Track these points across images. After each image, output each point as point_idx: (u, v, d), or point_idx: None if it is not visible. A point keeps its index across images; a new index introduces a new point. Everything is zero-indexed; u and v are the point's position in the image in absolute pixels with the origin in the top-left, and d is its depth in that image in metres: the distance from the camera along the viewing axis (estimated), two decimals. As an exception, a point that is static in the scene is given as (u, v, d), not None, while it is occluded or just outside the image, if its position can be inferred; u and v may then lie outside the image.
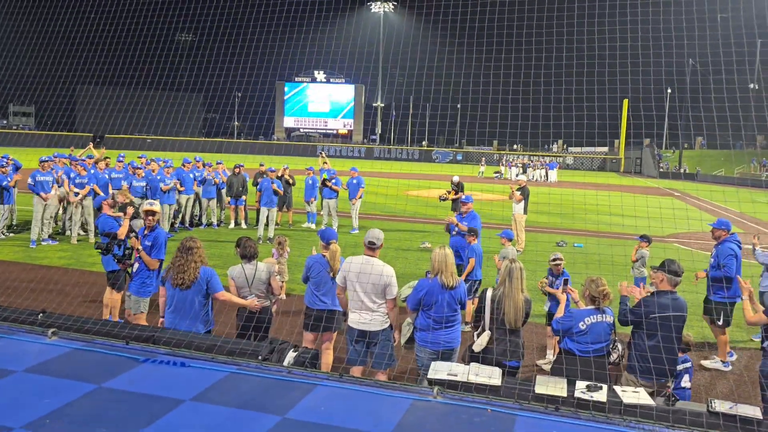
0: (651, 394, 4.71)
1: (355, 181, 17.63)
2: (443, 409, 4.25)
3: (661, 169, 64.94)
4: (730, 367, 7.92)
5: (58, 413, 3.86)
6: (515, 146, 73.85)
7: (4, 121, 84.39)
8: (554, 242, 16.71)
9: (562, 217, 22.91)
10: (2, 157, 14.84)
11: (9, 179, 14.17)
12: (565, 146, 79.09)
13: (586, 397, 4.53)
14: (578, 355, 5.41)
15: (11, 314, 5.45)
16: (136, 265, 7.34)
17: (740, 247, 8.20)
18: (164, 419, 3.84)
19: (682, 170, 62.44)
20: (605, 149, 75.93)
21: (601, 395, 4.56)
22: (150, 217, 7.31)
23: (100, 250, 7.45)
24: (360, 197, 17.68)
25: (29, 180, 13.90)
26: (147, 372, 4.43)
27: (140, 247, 7.13)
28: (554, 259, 7.81)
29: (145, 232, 7.39)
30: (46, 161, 14.31)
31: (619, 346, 5.67)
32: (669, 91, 51.50)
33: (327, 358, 6.60)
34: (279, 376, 4.51)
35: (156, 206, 7.46)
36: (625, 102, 59.01)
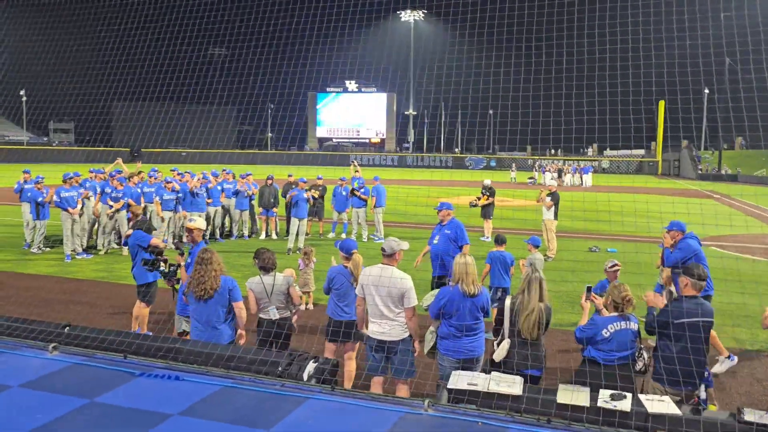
0: (677, 403, 4.56)
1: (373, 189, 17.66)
2: (432, 422, 4.19)
3: (700, 171, 63.42)
4: (736, 360, 7.62)
5: (47, 428, 3.88)
6: (553, 151, 73.12)
7: (45, 138, 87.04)
8: (587, 248, 16.44)
9: (595, 222, 22.54)
10: (38, 177, 15.29)
11: (44, 195, 14.67)
12: (600, 150, 77.86)
13: (609, 406, 4.42)
14: (602, 363, 5.29)
15: (12, 325, 5.55)
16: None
17: (701, 244, 8.23)
18: None
19: (723, 171, 60.89)
20: (642, 152, 74.48)
21: (625, 404, 4.44)
22: (190, 234, 7.26)
23: (147, 266, 7.55)
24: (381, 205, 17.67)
25: (54, 197, 14.32)
26: (141, 386, 4.46)
27: (183, 264, 7.20)
28: (613, 266, 7.66)
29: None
30: (71, 178, 14.68)
31: (645, 355, 5.51)
32: (706, 91, 50.28)
33: (350, 367, 6.58)
34: (272, 389, 4.50)
35: (196, 223, 7.39)
36: (662, 103, 57.94)
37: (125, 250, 14.62)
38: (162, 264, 7.48)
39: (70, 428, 3.92)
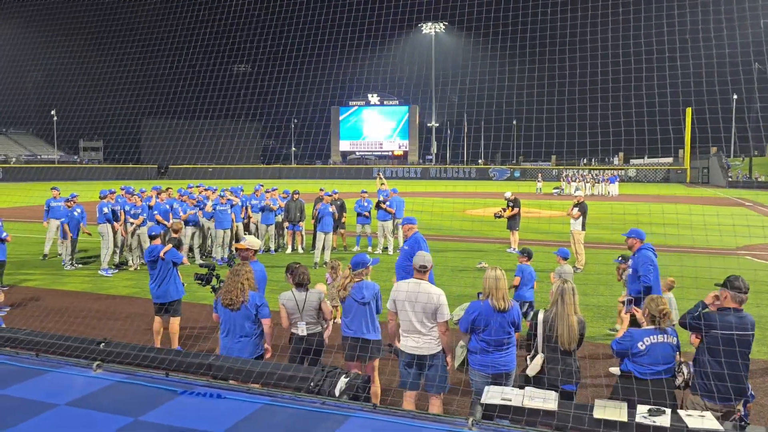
0: (718, 418, 4.45)
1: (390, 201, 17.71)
2: None
3: (731, 179, 62.34)
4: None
5: None
6: (584, 160, 72.44)
7: (76, 157, 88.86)
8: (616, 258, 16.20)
9: (624, 232, 22.24)
10: (72, 194, 15.61)
11: (73, 212, 15.14)
12: (627, 159, 77.05)
13: (648, 422, 4.32)
14: (638, 377, 5.19)
15: (57, 343, 5.63)
16: None
17: (656, 255, 8.21)
18: None
19: (754, 178, 59.75)
20: (669, 160, 73.55)
21: (664, 420, 4.34)
22: (240, 253, 7.35)
23: (200, 282, 7.64)
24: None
25: (104, 210, 14.69)
26: (184, 404, 4.49)
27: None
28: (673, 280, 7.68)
29: None
30: (111, 193, 15.16)
31: (685, 370, 5.38)
32: (735, 97, 49.54)
33: (375, 391, 6.39)
34: (312, 407, 4.47)
35: (245, 242, 7.42)
36: (689, 110, 57.14)
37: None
38: (214, 279, 7.58)
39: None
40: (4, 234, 12.10)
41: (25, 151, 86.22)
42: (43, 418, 4.26)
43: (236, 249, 7.47)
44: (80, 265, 15.37)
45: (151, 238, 8.96)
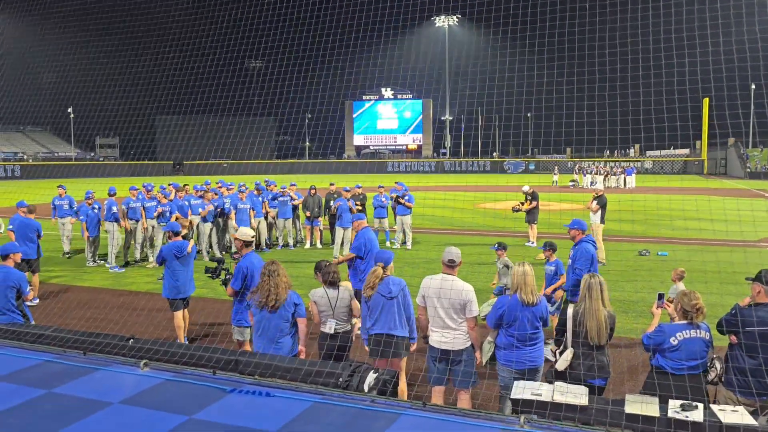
0: (752, 413, 4.41)
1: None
2: None
3: (749, 169, 61.58)
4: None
5: None
6: (607, 152, 71.88)
7: (92, 154, 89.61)
8: (636, 251, 16.11)
9: (643, 225, 22.07)
10: (87, 193, 15.75)
11: (92, 209, 15.28)
12: (643, 150, 76.34)
13: (680, 417, 4.30)
14: (670, 372, 5.15)
15: (103, 341, 5.71)
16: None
17: (596, 248, 8.25)
18: None
19: (773, 169, 59.03)
20: (686, 151, 72.79)
21: (697, 415, 4.32)
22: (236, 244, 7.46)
23: (209, 275, 7.72)
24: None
25: (122, 206, 14.97)
26: (234, 402, 4.52)
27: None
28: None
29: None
30: (135, 190, 15.52)
31: (717, 365, 5.33)
32: (753, 86, 48.86)
33: (401, 387, 6.37)
34: (362, 405, 4.48)
35: (237, 233, 7.53)
36: (706, 101, 56.53)
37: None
38: (223, 273, 7.64)
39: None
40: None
41: (42, 149, 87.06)
42: (99, 416, 4.31)
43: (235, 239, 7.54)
44: (102, 261, 15.53)
45: (175, 234, 9.02)
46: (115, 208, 14.96)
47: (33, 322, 7.27)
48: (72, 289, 12.78)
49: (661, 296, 5.88)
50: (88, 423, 4.19)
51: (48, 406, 4.49)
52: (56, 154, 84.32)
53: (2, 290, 6.88)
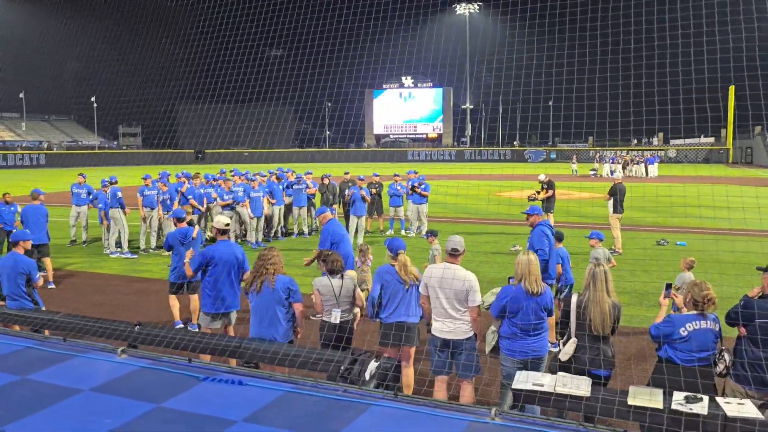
0: (759, 407, 4.31)
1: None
2: (499, 431, 4.07)
3: (776, 158, 60.31)
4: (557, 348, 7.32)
5: None
6: (636, 141, 70.89)
7: (115, 143, 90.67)
8: (654, 241, 15.88)
9: (661, 214, 21.75)
10: (111, 177, 15.92)
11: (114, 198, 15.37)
12: (667, 139, 75.15)
13: (684, 409, 4.22)
14: (679, 364, 5.05)
15: (93, 327, 5.75)
16: None
17: (553, 232, 8.58)
18: None
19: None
20: (711, 140, 71.44)
21: (701, 407, 4.23)
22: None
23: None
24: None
25: (117, 195, 15.10)
26: (205, 391, 4.53)
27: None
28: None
29: None
30: (149, 178, 15.61)
31: (726, 357, 5.21)
32: (781, 74, 47.77)
33: (408, 375, 6.39)
34: (334, 395, 4.46)
35: (216, 222, 7.57)
36: (731, 89, 55.39)
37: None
38: None
39: (138, 433, 4.02)
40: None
41: (66, 138, 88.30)
42: (67, 404, 4.35)
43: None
44: (117, 250, 15.70)
45: (179, 220, 9.10)
46: (120, 194, 15.10)
47: (43, 308, 7.37)
48: (87, 275, 12.96)
49: (668, 286, 5.78)
50: (54, 410, 4.23)
51: (21, 392, 4.55)
52: (80, 143, 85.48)
53: (12, 277, 6.98)
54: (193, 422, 4.08)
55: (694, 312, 5.20)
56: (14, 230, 15.80)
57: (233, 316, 7.30)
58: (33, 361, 5.10)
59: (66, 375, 4.81)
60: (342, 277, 6.40)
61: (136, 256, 14.84)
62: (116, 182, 15.47)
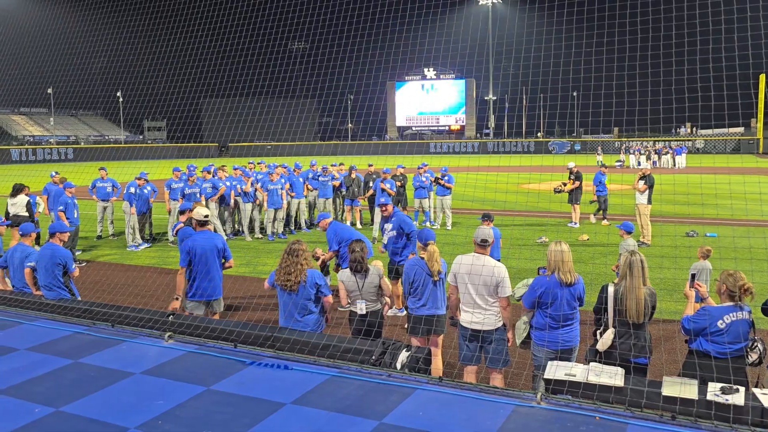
0: (798, 398, 4.24)
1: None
2: (547, 415, 4.05)
3: (808, 148, 58.92)
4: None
5: (169, 414, 4.09)
6: (671, 131, 69.88)
7: (140, 136, 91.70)
8: (683, 233, 15.65)
9: (691, 206, 21.41)
10: (142, 173, 16.05)
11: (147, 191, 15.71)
12: (694, 129, 73.84)
13: (720, 400, 4.18)
14: (715, 356, 4.98)
15: (137, 316, 5.86)
16: None
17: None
18: (265, 422, 3.98)
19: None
20: (740, 130, 70.01)
21: (737, 398, 4.19)
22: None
23: None
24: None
25: (130, 189, 15.29)
26: (253, 375, 4.60)
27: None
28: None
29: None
30: (179, 171, 15.92)
31: (760, 346, 5.14)
32: (813, 61, 46.56)
33: (436, 364, 6.36)
34: (379, 379, 4.50)
35: (194, 213, 7.54)
36: (762, 77, 54.24)
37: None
38: None
39: (191, 414, 4.11)
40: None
41: (93, 132, 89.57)
42: (119, 386, 4.46)
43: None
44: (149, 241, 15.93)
45: (181, 213, 9.20)
46: (133, 189, 15.21)
47: (79, 298, 7.51)
48: (120, 267, 13.16)
49: (693, 276, 5.71)
50: (108, 392, 4.34)
51: (72, 375, 4.66)
52: (106, 138, 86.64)
53: (50, 267, 7.12)
54: (244, 404, 4.17)
55: (731, 303, 5.11)
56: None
57: (217, 304, 7.25)
58: (83, 345, 5.23)
59: (116, 359, 4.93)
60: (366, 271, 6.39)
61: (140, 249, 15.01)
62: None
